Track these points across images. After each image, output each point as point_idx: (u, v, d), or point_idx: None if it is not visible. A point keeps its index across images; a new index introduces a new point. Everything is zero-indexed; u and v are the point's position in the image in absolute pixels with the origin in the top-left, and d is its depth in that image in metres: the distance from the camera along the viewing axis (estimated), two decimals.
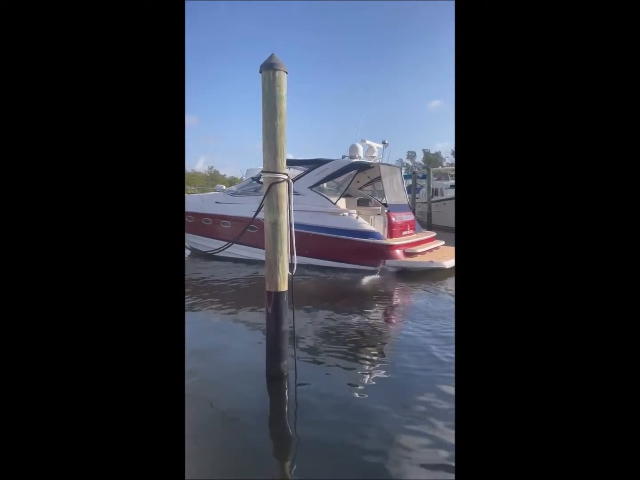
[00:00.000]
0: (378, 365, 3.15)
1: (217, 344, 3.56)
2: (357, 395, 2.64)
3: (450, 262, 6.35)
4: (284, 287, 2.75)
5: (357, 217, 6.84)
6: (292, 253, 2.77)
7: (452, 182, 16.11)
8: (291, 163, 7.19)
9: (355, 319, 4.24)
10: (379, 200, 8.04)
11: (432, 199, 15.41)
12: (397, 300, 5.38)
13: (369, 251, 6.58)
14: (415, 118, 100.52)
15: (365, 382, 2.82)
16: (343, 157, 7.95)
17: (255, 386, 2.77)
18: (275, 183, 2.65)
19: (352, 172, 7.39)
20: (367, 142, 8.06)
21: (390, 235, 6.92)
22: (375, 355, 3.38)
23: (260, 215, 2.85)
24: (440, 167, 26.51)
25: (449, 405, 2.41)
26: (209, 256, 7.58)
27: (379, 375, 2.92)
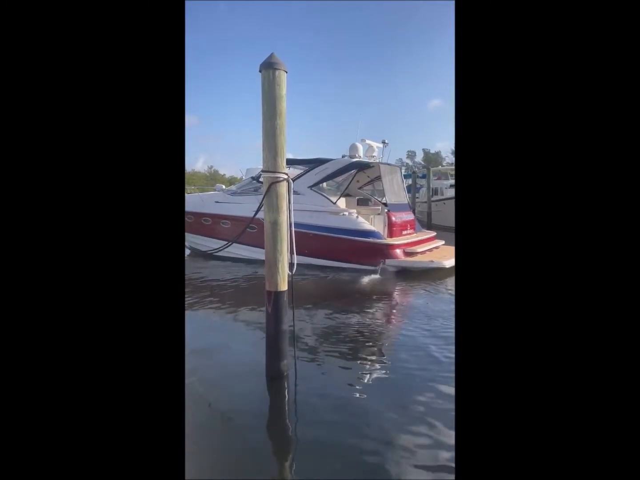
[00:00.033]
0: (378, 365, 3.14)
1: (216, 343, 3.56)
2: (356, 395, 2.64)
3: (450, 262, 6.35)
4: (283, 286, 2.75)
5: (357, 217, 6.84)
6: (292, 252, 2.77)
7: (452, 181, 16.11)
8: (291, 162, 7.19)
9: (355, 319, 4.24)
10: (379, 199, 8.04)
11: (432, 199, 15.42)
12: (396, 299, 5.38)
13: (369, 251, 6.58)
14: (415, 117, 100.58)
15: (365, 382, 2.82)
16: (343, 156, 7.95)
17: (255, 386, 2.77)
18: (275, 182, 2.65)
19: (352, 171, 7.41)
20: (367, 141, 8.06)
21: (390, 234, 6.93)
22: (374, 355, 3.38)
23: (260, 215, 2.85)
24: (440, 166, 26.49)
25: (449, 405, 2.41)
26: (208, 256, 7.59)
27: (378, 375, 2.93)
